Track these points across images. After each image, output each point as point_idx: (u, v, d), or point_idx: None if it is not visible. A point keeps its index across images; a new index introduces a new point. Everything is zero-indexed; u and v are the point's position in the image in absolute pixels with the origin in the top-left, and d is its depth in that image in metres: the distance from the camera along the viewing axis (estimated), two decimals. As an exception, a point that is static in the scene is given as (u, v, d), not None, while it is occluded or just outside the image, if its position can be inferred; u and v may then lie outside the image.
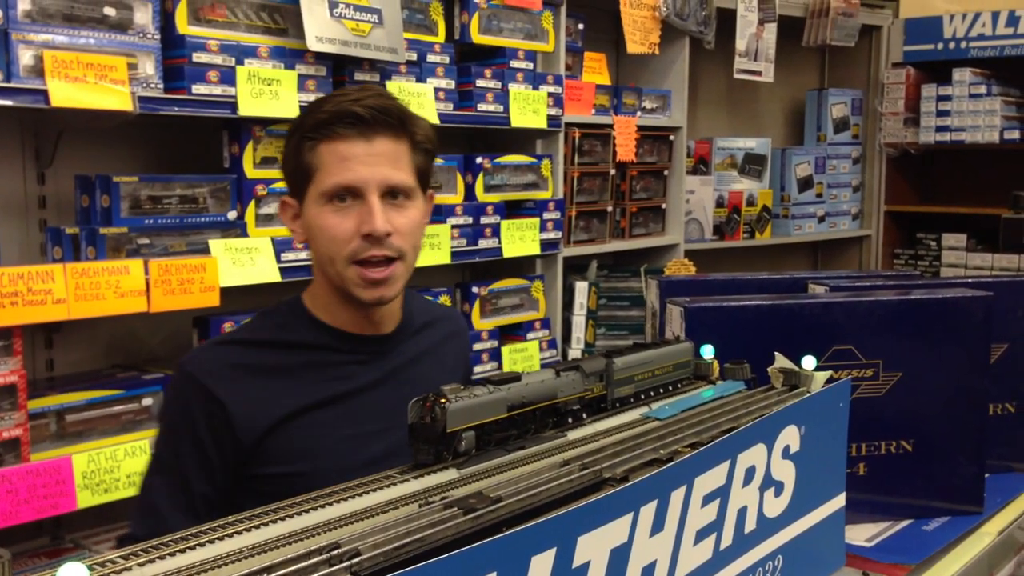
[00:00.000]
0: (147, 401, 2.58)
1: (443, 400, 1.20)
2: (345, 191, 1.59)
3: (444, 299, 3.33)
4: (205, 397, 1.58)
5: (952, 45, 5.15)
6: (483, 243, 3.38)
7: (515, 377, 1.33)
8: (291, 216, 1.69)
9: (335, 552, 0.89)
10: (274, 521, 1.00)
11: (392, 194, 1.62)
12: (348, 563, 0.88)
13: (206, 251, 2.62)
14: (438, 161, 3.26)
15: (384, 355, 1.73)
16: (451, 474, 1.20)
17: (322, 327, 1.70)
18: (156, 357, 2.89)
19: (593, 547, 1.04)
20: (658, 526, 1.15)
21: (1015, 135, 4.94)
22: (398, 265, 1.63)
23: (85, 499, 2.39)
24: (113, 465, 2.45)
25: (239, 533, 0.97)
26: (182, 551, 0.91)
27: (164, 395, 1.67)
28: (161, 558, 0.90)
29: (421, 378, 1.75)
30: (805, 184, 5.21)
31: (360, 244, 1.59)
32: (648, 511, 1.13)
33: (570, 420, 1.43)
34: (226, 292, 2.59)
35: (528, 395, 1.34)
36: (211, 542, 0.94)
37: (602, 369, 1.50)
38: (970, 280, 2.16)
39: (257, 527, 0.99)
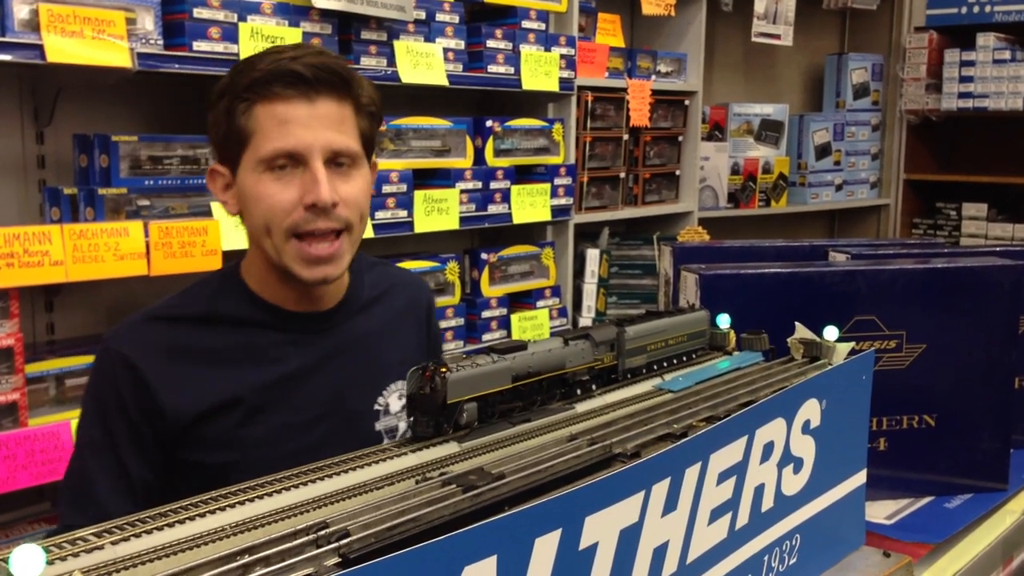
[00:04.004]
0: (148, 366, 2.53)
1: (444, 369, 1.14)
2: (286, 157, 1.44)
3: (452, 265, 3.27)
4: (133, 376, 1.47)
5: (976, 9, 5.02)
6: (492, 209, 3.31)
7: (521, 346, 1.27)
8: (222, 186, 1.53)
9: (323, 532, 0.83)
10: (260, 497, 0.94)
11: (337, 161, 1.47)
12: (336, 544, 0.82)
13: (208, 214, 2.56)
14: (447, 124, 3.19)
15: (322, 334, 1.59)
16: (451, 448, 1.14)
17: (256, 301, 1.56)
18: (158, 322, 2.83)
19: (601, 527, 0.98)
20: (671, 505, 1.09)
21: (1039, 102, 4.83)
22: (344, 239, 1.49)
23: (84, 465, 2.34)
24: (113, 431, 2.40)
25: (222, 509, 0.90)
26: (159, 528, 0.85)
27: (90, 374, 1.55)
28: (136, 536, 0.84)
29: (368, 359, 1.64)
30: (823, 151, 5.11)
31: (303, 215, 1.44)
32: (660, 489, 1.07)
33: (579, 392, 1.37)
34: (228, 256, 2.53)
35: (534, 365, 1.27)
36: (191, 519, 0.88)
37: (613, 338, 1.43)
38: (998, 248, 2.08)
39: (242, 503, 0.93)
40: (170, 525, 0.86)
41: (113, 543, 0.82)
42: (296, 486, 0.97)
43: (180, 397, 1.47)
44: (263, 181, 1.44)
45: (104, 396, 1.49)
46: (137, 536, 0.84)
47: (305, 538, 0.82)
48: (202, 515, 0.89)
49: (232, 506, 0.92)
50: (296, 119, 1.43)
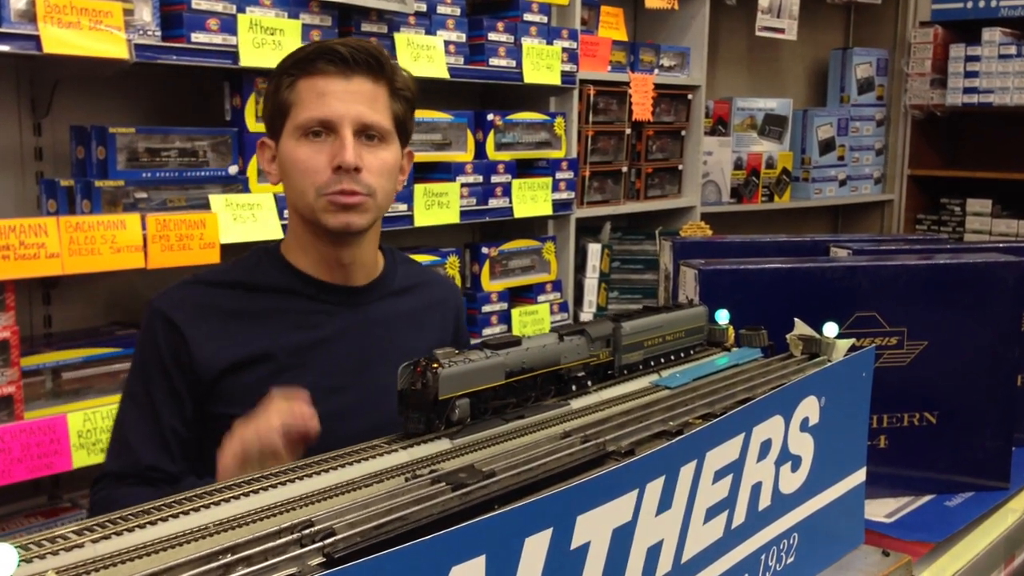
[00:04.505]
0: (145, 360, 2.51)
1: (435, 365, 1.12)
2: (320, 125, 1.59)
3: (452, 259, 3.25)
4: (171, 331, 1.61)
5: (982, 3, 4.99)
6: (493, 202, 3.29)
7: (515, 341, 1.25)
8: (269, 158, 1.69)
9: (307, 531, 0.81)
10: (246, 494, 0.92)
11: (367, 134, 1.62)
12: (321, 544, 0.80)
13: (206, 206, 2.54)
14: (447, 117, 3.17)
15: (352, 308, 1.71)
16: (443, 444, 1.12)
17: (290, 270, 1.70)
18: (156, 315, 2.81)
19: (594, 527, 0.96)
20: (665, 504, 1.07)
21: (1045, 98, 4.80)
22: (368, 199, 1.62)
23: (81, 459, 2.33)
24: (110, 424, 2.37)
25: (206, 507, 0.89)
26: (141, 526, 0.84)
27: (138, 333, 1.72)
28: (118, 534, 0.82)
29: (393, 341, 1.73)
30: (826, 146, 5.08)
31: (331, 177, 1.58)
32: (655, 488, 1.05)
33: (574, 388, 1.35)
34: (227, 249, 2.52)
35: (528, 361, 1.25)
36: (174, 516, 0.86)
37: (609, 334, 1.41)
38: (1001, 245, 2.06)
39: (227, 500, 0.91)
40: (152, 523, 0.85)
41: (93, 541, 0.80)
42: (282, 483, 0.96)
43: (212, 350, 1.60)
44: (299, 147, 1.60)
45: (145, 351, 1.64)
46: (118, 534, 0.82)
47: (289, 537, 0.81)
48: (185, 512, 0.88)
49: (216, 503, 0.90)
50: (332, 92, 1.59)
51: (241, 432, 1.35)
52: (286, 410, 1.36)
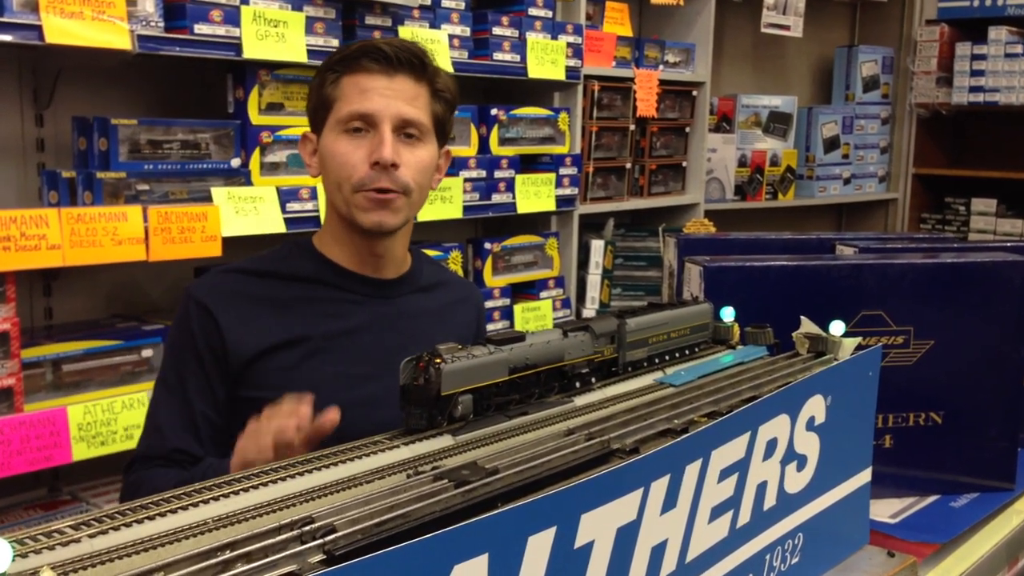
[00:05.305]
0: (147, 353, 2.50)
1: (438, 360, 1.10)
2: (361, 120, 1.63)
3: (455, 254, 3.24)
4: (205, 317, 1.64)
5: (988, 2, 4.97)
6: (497, 198, 3.27)
7: (518, 337, 1.24)
8: (310, 151, 1.74)
9: (308, 528, 0.80)
10: (246, 489, 0.91)
11: (406, 132, 1.65)
12: (321, 541, 0.79)
13: (208, 199, 2.53)
14: (451, 111, 3.15)
15: (381, 300, 1.74)
16: (445, 441, 1.11)
17: (322, 261, 1.73)
18: (157, 308, 2.81)
19: (598, 525, 0.95)
20: (670, 502, 1.06)
21: (1051, 97, 4.78)
22: (402, 197, 1.65)
23: (80, 451, 2.32)
24: (110, 417, 2.38)
25: (205, 502, 0.87)
26: (139, 521, 0.82)
27: (173, 319, 1.79)
28: (115, 529, 0.81)
29: (420, 334, 1.74)
30: (831, 144, 5.06)
31: (368, 173, 1.62)
32: (660, 486, 1.04)
33: (577, 385, 1.34)
34: (228, 242, 2.50)
35: (532, 357, 1.24)
36: (173, 512, 0.85)
37: (613, 330, 1.40)
38: (1008, 244, 2.05)
39: (227, 495, 0.90)
40: (151, 518, 0.84)
41: (91, 536, 0.79)
42: (283, 479, 0.95)
43: (244, 335, 1.63)
44: (340, 141, 1.64)
45: (180, 336, 1.68)
46: (116, 529, 0.81)
47: (289, 533, 0.80)
48: (184, 508, 0.86)
49: (216, 499, 0.89)
50: (375, 89, 1.63)
51: (242, 446, 1.37)
52: (287, 415, 1.34)
